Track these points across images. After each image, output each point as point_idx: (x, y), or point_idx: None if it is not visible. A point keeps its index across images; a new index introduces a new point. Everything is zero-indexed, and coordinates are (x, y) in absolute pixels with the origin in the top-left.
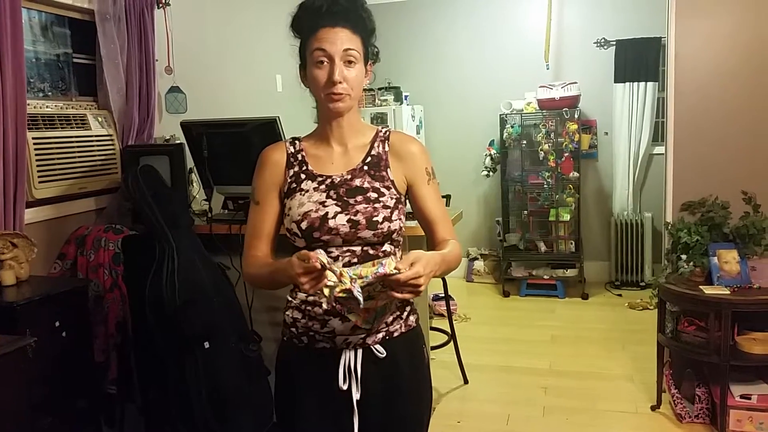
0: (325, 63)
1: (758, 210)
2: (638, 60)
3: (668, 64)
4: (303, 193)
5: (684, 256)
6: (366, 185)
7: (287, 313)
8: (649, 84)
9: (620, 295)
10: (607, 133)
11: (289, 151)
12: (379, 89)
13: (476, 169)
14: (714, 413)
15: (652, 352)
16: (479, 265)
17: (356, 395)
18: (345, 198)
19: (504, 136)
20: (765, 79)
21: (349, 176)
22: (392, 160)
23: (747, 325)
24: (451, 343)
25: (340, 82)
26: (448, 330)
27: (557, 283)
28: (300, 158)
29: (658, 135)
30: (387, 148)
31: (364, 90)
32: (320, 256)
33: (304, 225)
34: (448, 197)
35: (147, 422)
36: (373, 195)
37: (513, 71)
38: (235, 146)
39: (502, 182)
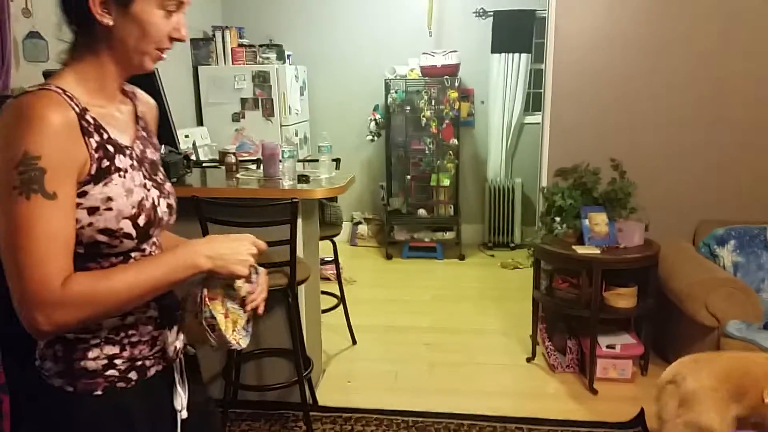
0: (174, 12)
1: (624, 176)
2: (514, 31)
3: (548, 37)
4: (122, 174)
5: (558, 219)
6: (156, 158)
7: (90, 355)
8: (524, 56)
9: (493, 255)
10: (483, 102)
11: (76, 110)
12: (260, 46)
13: (361, 133)
14: (583, 362)
15: (525, 308)
16: (363, 229)
17: (185, 413)
18: (153, 176)
19: (388, 102)
20: (638, 54)
21: (141, 146)
22: (150, 122)
23: (613, 282)
24: (340, 306)
25: (183, 40)
26: (337, 293)
27: (437, 245)
28: (92, 121)
29: (529, 105)
30: (141, 107)
31: (243, 45)
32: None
33: (142, 221)
34: (338, 161)
35: None
36: (163, 170)
37: (397, 37)
38: None
39: (387, 147)
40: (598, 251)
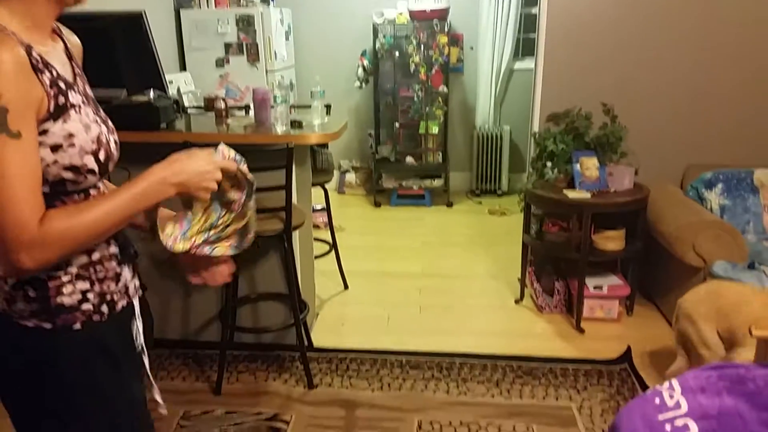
0: None
1: (615, 120)
2: None
3: None
4: (78, 109)
5: (549, 164)
6: (93, 94)
7: (64, 291)
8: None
9: (480, 202)
10: (472, 48)
11: (23, 48)
12: None
13: (348, 79)
14: (570, 303)
15: (513, 253)
16: (351, 177)
17: (142, 340)
18: (98, 112)
19: (376, 47)
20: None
21: (81, 83)
22: (77, 60)
23: (603, 225)
24: (332, 252)
25: None
26: (328, 240)
27: (425, 192)
28: (39, 58)
29: (519, 51)
30: (69, 45)
31: None
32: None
33: (102, 156)
34: (328, 107)
35: None
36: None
37: None
38: (91, 44)
39: (375, 94)
40: (589, 195)
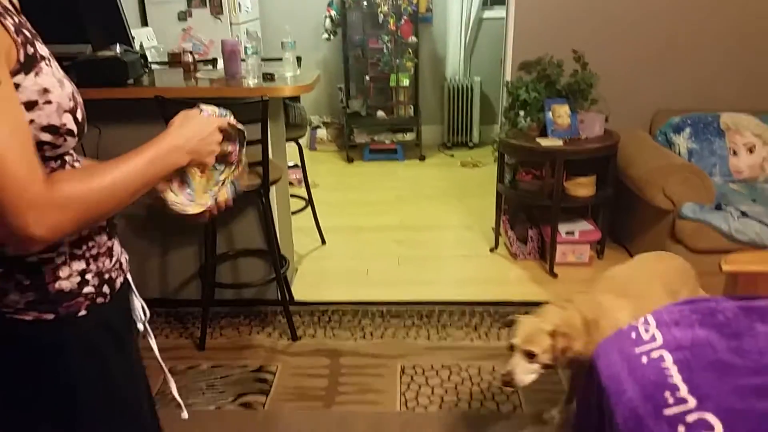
0: None
1: (586, 67)
2: None
3: None
4: (48, 62)
5: (522, 112)
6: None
7: (62, 275)
8: None
9: (452, 155)
10: None
11: None
12: None
13: (316, 31)
14: (543, 250)
15: (486, 203)
16: (322, 133)
17: (144, 317)
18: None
19: None
20: None
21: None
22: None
23: (574, 172)
24: (308, 208)
25: None
26: (303, 196)
27: (397, 147)
28: None
29: None
30: None
31: None
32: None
33: (80, 115)
34: (299, 59)
35: None
36: None
37: None
38: None
39: (344, 47)
40: (561, 143)
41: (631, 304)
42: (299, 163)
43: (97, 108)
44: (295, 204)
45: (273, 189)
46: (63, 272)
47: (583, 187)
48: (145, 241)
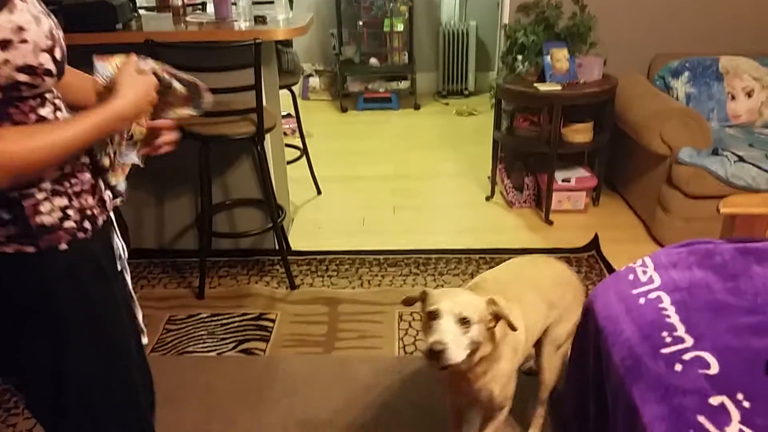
0: None
1: (585, 10)
2: None
3: None
4: None
5: (520, 57)
6: None
7: (43, 210)
8: None
9: (447, 104)
10: None
11: None
12: None
13: None
14: (539, 198)
15: (482, 152)
16: (315, 81)
17: (124, 255)
18: (41, 4)
19: None
20: None
21: None
22: None
23: (571, 119)
24: (302, 158)
25: None
26: (298, 145)
27: (392, 95)
28: None
29: None
30: None
31: None
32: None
33: (58, 54)
34: (290, 2)
35: None
36: None
37: None
38: None
39: None
40: (559, 88)
41: (518, 309)
42: (293, 113)
43: (86, 55)
44: (290, 154)
45: (268, 137)
46: (44, 207)
47: (580, 134)
48: (141, 191)
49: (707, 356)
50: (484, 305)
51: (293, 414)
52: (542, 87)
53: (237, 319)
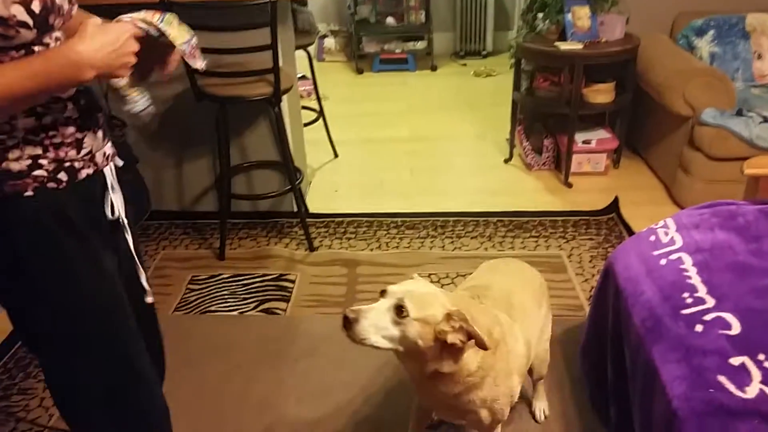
0: None
1: None
2: None
3: None
4: None
5: (540, 15)
6: None
7: (11, 156)
8: None
9: (465, 64)
10: None
11: None
12: None
13: None
14: (558, 160)
15: (500, 114)
16: (330, 42)
17: (123, 215)
18: None
19: None
20: None
21: None
22: None
23: (593, 78)
24: (319, 121)
25: None
26: (314, 107)
27: (408, 56)
28: None
29: None
30: None
31: None
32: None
33: (36, 6)
34: None
35: None
36: None
37: None
38: None
39: None
40: (581, 46)
41: (519, 327)
42: (308, 75)
43: (96, 13)
44: (306, 116)
45: (285, 99)
46: (12, 154)
47: (601, 94)
48: (159, 153)
49: (729, 317)
50: (441, 313)
51: (313, 373)
52: (563, 46)
53: (258, 279)
